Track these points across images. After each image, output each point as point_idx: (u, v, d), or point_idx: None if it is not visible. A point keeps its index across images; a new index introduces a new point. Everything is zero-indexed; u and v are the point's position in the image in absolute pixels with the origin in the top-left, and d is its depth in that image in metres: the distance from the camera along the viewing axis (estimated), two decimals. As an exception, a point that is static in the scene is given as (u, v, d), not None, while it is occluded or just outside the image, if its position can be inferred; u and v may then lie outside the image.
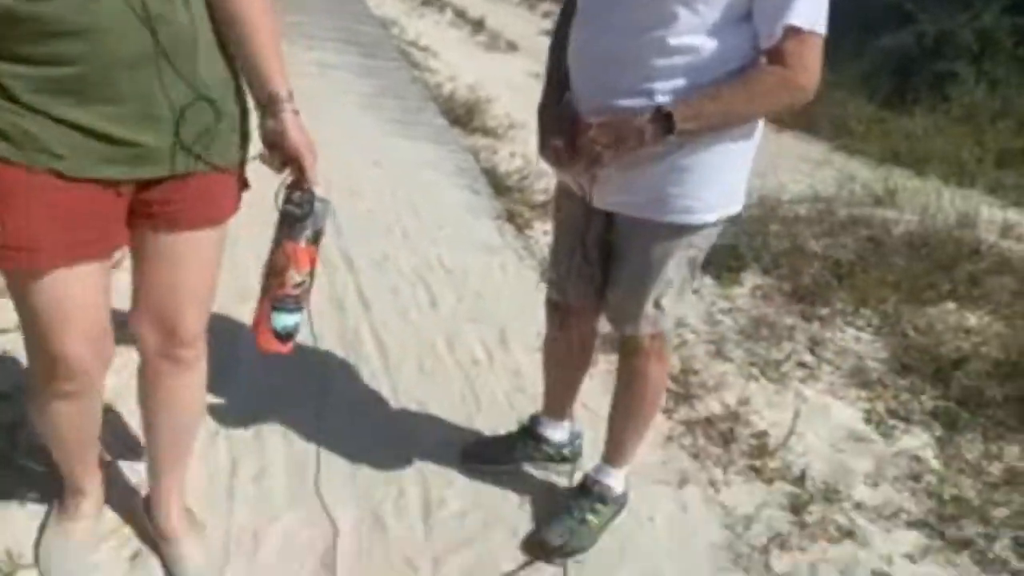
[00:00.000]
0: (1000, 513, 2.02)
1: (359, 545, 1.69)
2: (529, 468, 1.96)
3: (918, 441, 2.30)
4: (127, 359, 2.18)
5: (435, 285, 2.85)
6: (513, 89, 5.77)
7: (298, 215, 1.33)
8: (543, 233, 3.37)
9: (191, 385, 1.51)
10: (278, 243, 1.37)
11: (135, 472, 1.80)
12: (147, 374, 1.50)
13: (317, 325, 2.25)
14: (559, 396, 1.94)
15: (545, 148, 1.55)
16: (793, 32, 1.34)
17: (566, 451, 1.97)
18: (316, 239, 1.40)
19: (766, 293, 3.11)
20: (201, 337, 1.47)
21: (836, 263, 3.31)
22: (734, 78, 1.38)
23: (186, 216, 1.31)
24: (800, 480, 2.04)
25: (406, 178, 3.84)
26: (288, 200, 1.33)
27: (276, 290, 1.40)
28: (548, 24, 9.90)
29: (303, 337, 2.28)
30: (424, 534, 1.74)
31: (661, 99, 1.37)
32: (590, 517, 1.76)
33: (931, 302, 3.10)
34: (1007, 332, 2.91)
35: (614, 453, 1.81)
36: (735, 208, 1.55)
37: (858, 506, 1.99)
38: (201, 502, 1.72)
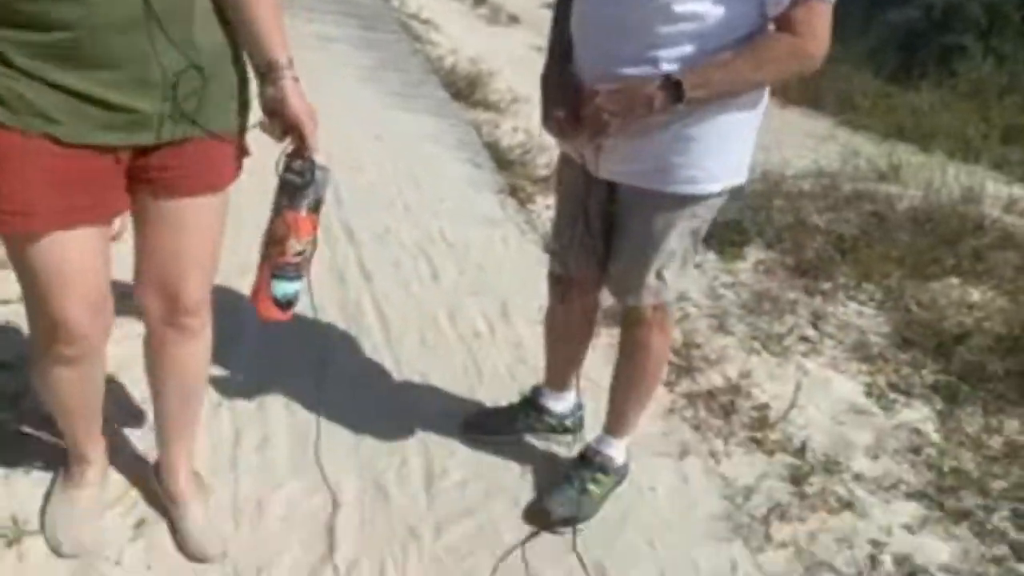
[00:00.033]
0: (999, 485, 2.03)
1: (362, 514, 1.71)
2: (531, 439, 1.97)
3: (918, 414, 2.31)
4: (129, 330, 2.19)
5: (437, 258, 2.84)
6: (515, 63, 5.71)
7: (299, 183, 1.32)
8: (545, 208, 3.36)
9: (197, 353, 1.52)
10: (278, 212, 1.37)
11: (139, 440, 1.81)
12: (153, 343, 1.51)
13: (318, 297, 2.25)
14: (561, 368, 1.94)
15: (548, 118, 1.54)
16: None
17: (568, 422, 1.98)
18: (317, 207, 1.39)
19: (769, 268, 3.10)
20: (205, 305, 1.47)
21: (839, 238, 3.30)
22: (742, 45, 1.36)
23: (185, 182, 1.30)
24: (800, 452, 2.05)
25: (407, 151, 3.82)
26: (288, 168, 1.33)
27: (276, 258, 1.39)
28: (551, -3, 9.76)
29: (304, 309, 2.30)
30: (426, 503, 1.75)
31: (666, 67, 1.35)
32: (591, 487, 1.77)
33: (934, 277, 3.10)
34: (1010, 307, 2.91)
35: (615, 424, 1.82)
36: (739, 179, 1.53)
37: (858, 477, 2.01)
38: (205, 471, 1.74)
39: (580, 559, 1.63)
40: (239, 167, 1.38)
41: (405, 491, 1.78)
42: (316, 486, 1.74)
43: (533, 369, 2.18)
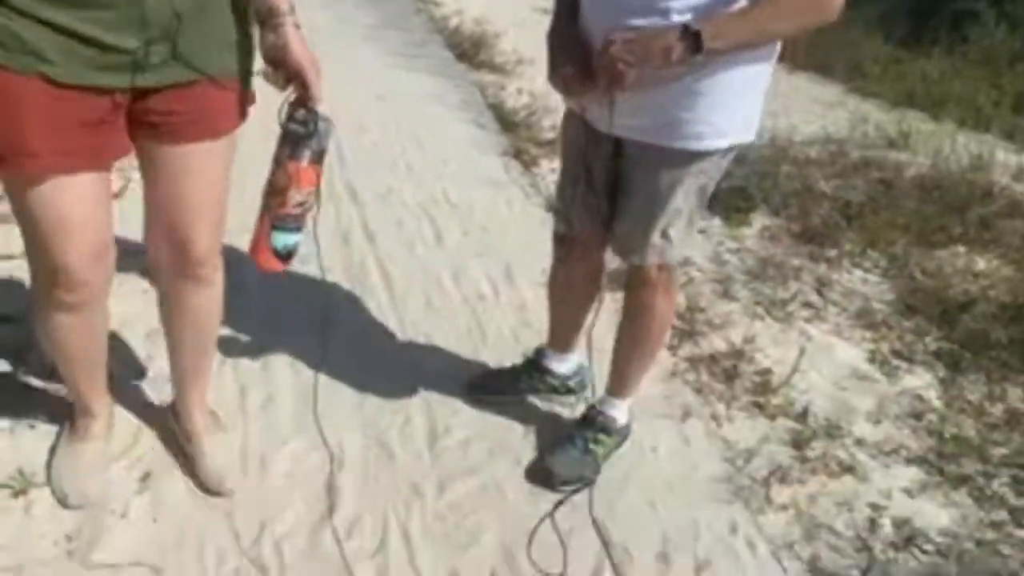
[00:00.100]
0: (999, 452, 2.04)
1: (365, 471, 1.72)
2: (534, 400, 1.98)
3: (921, 381, 2.31)
4: (133, 287, 2.20)
5: (440, 219, 2.82)
6: (520, 24, 5.60)
7: (301, 134, 1.30)
8: (550, 171, 3.32)
9: (209, 302, 1.54)
10: (279, 162, 1.35)
11: (143, 395, 1.82)
12: (166, 294, 1.53)
13: (323, 258, 2.25)
14: (564, 329, 1.94)
15: (554, 75, 1.51)
16: None
17: (571, 383, 1.98)
18: (319, 158, 1.37)
19: (774, 234, 3.08)
20: (215, 253, 1.48)
21: (846, 205, 3.27)
22: None
23: (187, 128, 1.29)
24: (802, 416, 2.06)
25: (410, 112, 3.77)
26: (291, 118, 1.31)
27: (276, 209, 1.38)
28: (557, -43, 9.56)
29: (310, 269, 2.30)
30: (430, 461, 1.76)
31: (677, 18, 1.32)
32: (593, 447, 1.78)
33: (940, 245, 3.07)
34: (1016, 276, 2.89)
35: (618, 385, 1.82)
36: (747, 136, 1.51)
37: (859, 442, 2.01)
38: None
39: (595, 524, 1.63)
40: (243, 114, 1.36)
41: (408, 449, 1.79)
42: (320, 444, 1.75)
43: (537, 331, 2.17)
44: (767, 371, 2.23)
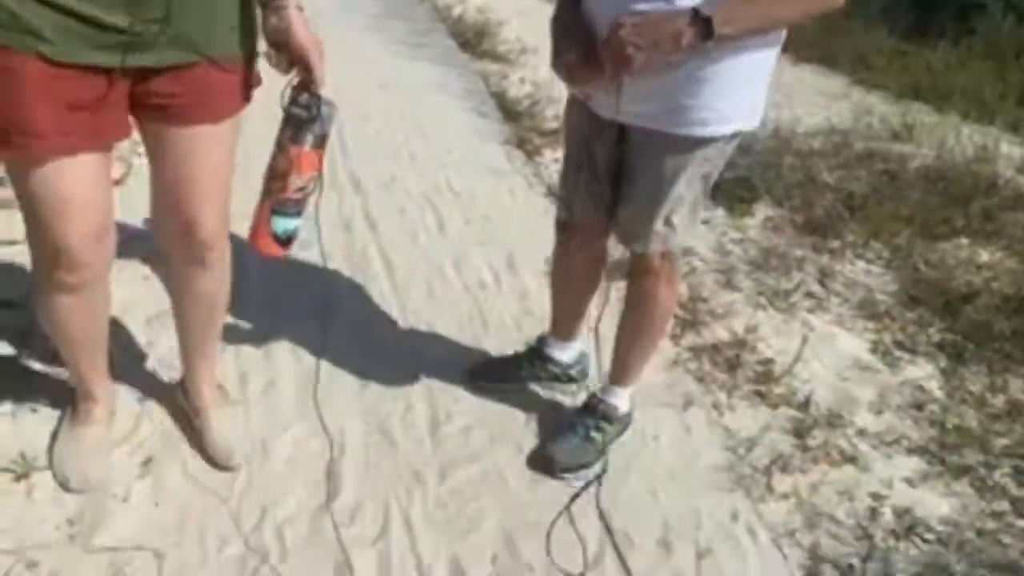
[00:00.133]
0: (1001, 443, 2.03)
1: (367, 457, 1.72)
2: (535, 388, 1.98)
3: (923, 372, 2.30)
4: (134, 273, 2.20)
5: (443, 208, 2.82)
6: (523, 13, 5.57)
7: (304, 118, 1.30)
8: (553, 161, 3.31)
9: (216, 284, 1.55)
10: (281, 146, 1.35)
11: (144, 381, 1.82)
12: (174, 277, 1.55)
13: (325, 245, 2.25)
14: (567, 317, 1.94)
15: (558, 62, 1.50)
16: None
17: (572, 372, 1.98)
18: (321, 144, 1.37)
19: (777, 225, 3.07)
20: (221, 236, 1.48)
21: (849, 196, 3.26)
22: None
23: (189, 111, 1.29)
24: (804, 406, 2.06)
25: (413, 100, 3.76)
26: (294, 102, 1.30)
27: (277, 193, 1.38)
28: (561, -53, 9.50)
29: (311, 256, 2.29)
30: (431, 448, 1.77)
31: (681, 3, 1.31)
32: (595, 435, 1.77)
33: (944, 237, 3.06)
34: (1019, 268, 2.88)
35: (620, 373, 1.82)
36: (752, 123, 1.50)
37: (861, 432, 2.01)
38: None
39: (601, 514, 1.63)
40: (247, 97, 1.36)
41: (410, 436, 1.79)
42: (321, 430, 1.75)
43: (539, 320, 2.17)
44: (769, 361, 2.23)
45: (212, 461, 1.63)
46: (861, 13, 6.35)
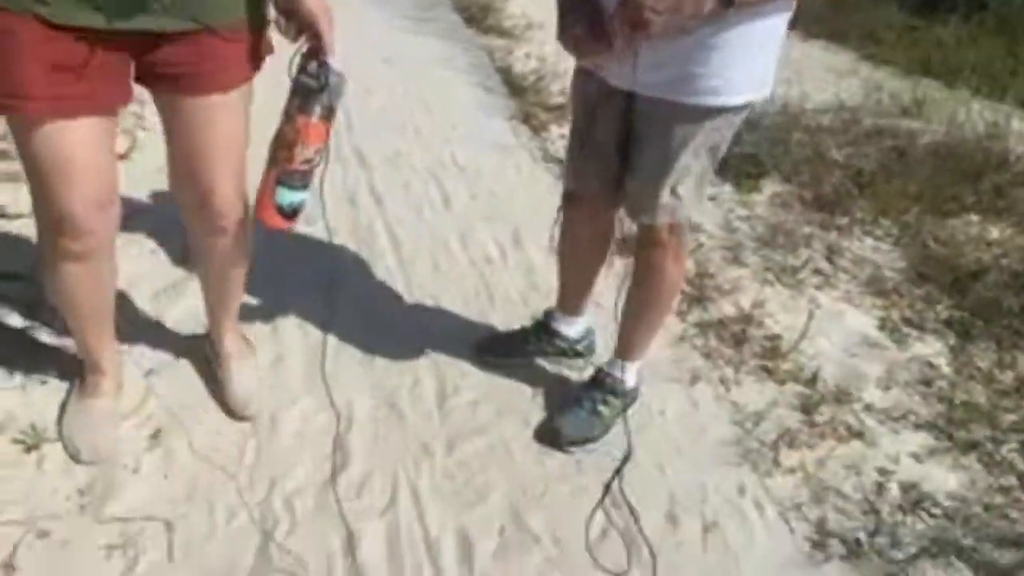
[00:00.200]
0: (1009, 419, 2.03)
1: (375, 430, 1.72)
2: (542, 362, 1.98)
3: (931, 348, 2.29)
4: (141, 247, 2.20)
5: (448, 183, 2.80)
6: (529, -12, 5.52)
7: (313, 87, 1.28)
8: (559, 136, 3.29)
9: (234, 248, 1.56)
10: (289, 116, 1.33)
11: (152, 354, 1.82)
12: (193, 241, 1.58)
13: (330, 220, 2.24)
14: (574, 291, 1.93)
15: (564, 35, 1.48)
16: None
17: (579, 346, 1.98)
18: (329, 115, 1.35)
19: (785, 201, 3.05)
20: (237, 204, 1.48)
21: (858, 172, 3.23)
22: None
23: (198, 81, 1.28)
24: (811, 382, 2.05)
25: (418, 75, 3.73)
26: (302, 70, 1.28)
27: (283, 164, 1.36)
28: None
29: (316, 231, 2.29)
30: (439, 421, 1.77)
31: None
32: (602, 408, 1.77)
33: (953, 213, 3.04)
34: (1029, 245, 2.86)
35: (627, 348, 1.81)
36: (762, 93, 1.48)
37: (868, 408, 2.01)
38: (214, 395, 1.75)
39: (625, 497, 1.62)
40: (256, 66, 1.35)
41: (417, 409, 1.79)
42: (329, 404, 1.75)
43: (545, 295, 2.16)
44: (776, 337, 2.22)
45: (230, 411, 1.68)
46: (871, -12, 6.25)
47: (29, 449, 1.53)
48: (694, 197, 1.58)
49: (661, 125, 1.47)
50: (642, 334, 1.80)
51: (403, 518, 1.53)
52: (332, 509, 1.53)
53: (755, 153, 3.19)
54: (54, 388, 1.66)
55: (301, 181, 1.40)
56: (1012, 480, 1.83)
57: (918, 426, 1.98)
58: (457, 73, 3.83)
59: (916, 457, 1.88)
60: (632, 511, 1.60)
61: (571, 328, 1.96)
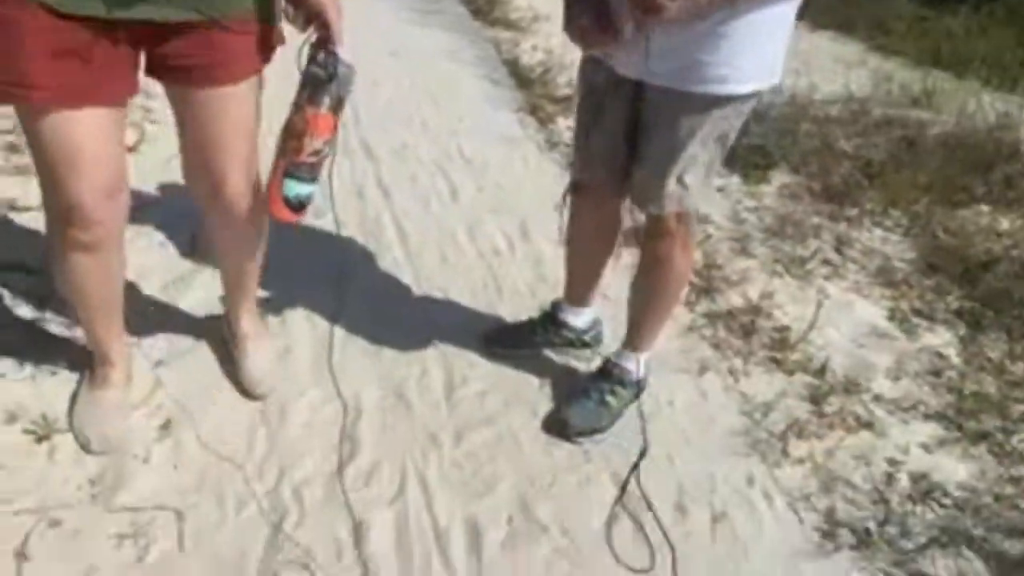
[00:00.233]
0: (1019, 409, 2.02)
1: (383, 420, 1.73)
2: (549, 353, 1.97)
3: (941, 339, 2.28)
4: (150, 239, 2.21)
5: (455, 175, 2.80)
6: (535, -20, 5.50)
7: (322, 77, 1.28)
8: (566, 128, 3.28)
9: (249, 234, 1.59)
10: (298, 106, 1.33)
11: (161, 346, 1.83)
12: (209, 227, 1.60)
13: (338, 212, 2.24)
14: (581, 282, 1.93)
15: (571, 26, 1.47)
16: None
17: (587, 337, 1.98)
18: (338, 107, 1.35)
19: (793, 192, 3.04)
20: (248, 193, 1.49)
21: (867, 163, 3.21)
22: None
23: (207, 73, 1.29)
24: (820, 372, 2.04)
25: (424, 68, 3.73)
26: (311, 61, 1.28)
27: (292, 155, 1.37)
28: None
29: (324, 223, 2.29)
30: (447, 412, 1.77)
31: None
32: (609, 399, 1.77)
33: (963, 204, 3.02)
34: (1040, 235, 2.84)
35: (634, 338, 1.81)
36: (771, 81, 1.47)
37: (877, 398, 2.00)
38: (230, 377, 1.76)
39: (642, 491, 1.61)
40: (266, 57, 1.35)
41: (425, 400, 1.79)
42: (337, 395, 1.76)
43: (553, 286, 2.16)
44: (785, 327, 2.21)
45: (244, 390, 1.72)
46: (880, -22, 6.20)
47: (40, 439, 1.55)
48: (701, 186, 1.57)
49: (669, 114, 1.47)
50: (651, 324, 1.80)
51: (412, 507, 1.53)
52: (341, 499, 1.53)
53: (763, 144, 3.18)
54: (64, 379, 1.67)
55: (309, 173, 1.40)
56: (1022, 470, 1.82)
57: (928, 416, 1.97)
58: (464, 65, 3.83)
59: (926, 447, 1.87)
60: (648, 504, 1.59)
61: (578, 319, 1.96)
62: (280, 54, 1.39)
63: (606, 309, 2.05)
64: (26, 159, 2.35)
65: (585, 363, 1.96)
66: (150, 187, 2.38)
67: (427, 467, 1.62)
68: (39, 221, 2.04)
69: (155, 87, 1.39)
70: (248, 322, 1.78)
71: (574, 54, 1.61)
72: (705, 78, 1.41)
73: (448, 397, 1.81)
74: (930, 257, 2.66)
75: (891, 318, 2.36)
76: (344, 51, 1.32)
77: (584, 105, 1.65)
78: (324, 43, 1.27)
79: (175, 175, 2.40)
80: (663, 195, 1.55)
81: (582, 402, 1.77)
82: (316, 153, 1.38)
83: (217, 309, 1.96)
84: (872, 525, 1.63)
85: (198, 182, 1.47)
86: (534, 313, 2.04)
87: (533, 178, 2.88)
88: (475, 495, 1.58)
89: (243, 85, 1.34)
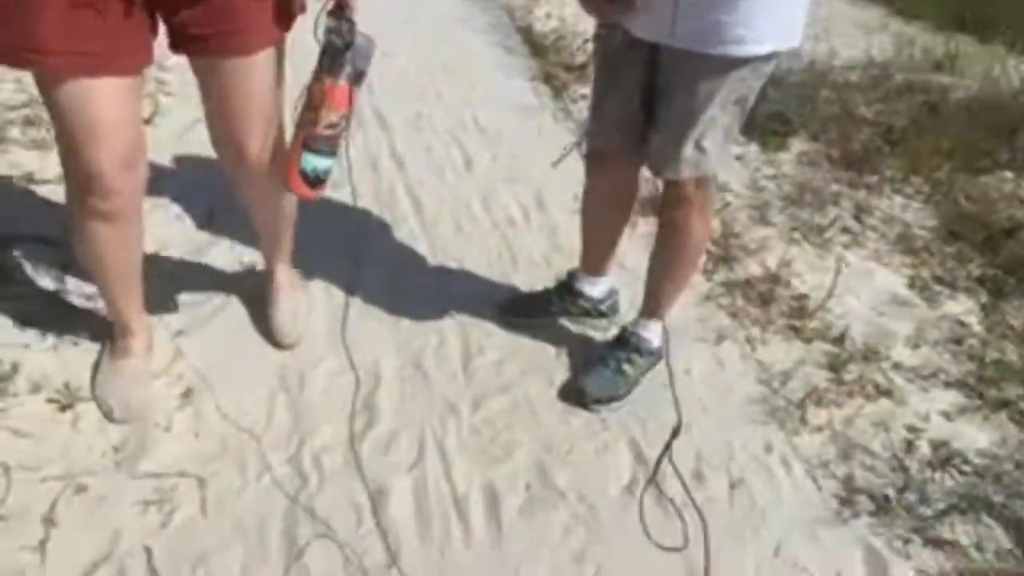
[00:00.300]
0: (1042, 377, 1.99)
1: (401, 389, 1.73)
2: (566, 322, 1.97)
3: (962, 306, 2.25)
4: (167, 211, 2.21)
5: (469, 144, 2.78)
6: (549, -54, 5.41)
7: (339, 45, 1.27)
8: (581, 96, 3.24)
9: (276, 196, 1.61)
10: (317, 76, 1.33)
11: (181, 316, 1.84)
12: (238, 190, 1.62)
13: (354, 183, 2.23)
14: (597, 251, 1.92)
15: None
16: None
17: (603, 306, 1.97)
18: (356, 80, 1.34)
19: (813, 159, 2.99)
20: (272, 161, 1.49)
21: (888, 129, 3.15)
22: None
23: (226, 41, 1.30)
24: (839, 340, 2.03)
25: (437, 37, 3.69)
26: (328, 30, 1.27)
27: (310, 127, 1.36)
28: None
29: (340, 195, 2.28)
30: (464, 380, 1.78)
31: None
32: (626, 367, 1.77)
33: (986, 170, 2.96)
34: (1065, 202, 2.78)
35: (652, 306, 1.80)
36: (791, 43, 1.44)
37: (897, 366, 1.98)
38: (249, 346, 1.77)
39: (676, 469, 1.60)
40: (286, 26, 1.35)
41: (443, 369, 1.80)
42: (356, 364, 1.77)
43: (568, 256, 2.15)
44: (803, 296, 2.19)
45: (273, 340, 1.79)
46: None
47: (64, 408, 1.57)
48: (720, 151, 1.55)
49: (687, 77, 1.44)
50: (668, 292, 1.79)
51: (430, 474, 1.55)
52: (361, 464, 1.54)
53: (782, 111, 3.13)
54: (86, 349, 1.69)
55: (327, 147, 1.40)
56: (1045, 438, 1.81)
57: (948, 384, 1.95)
58: (476, 33, 3.78)
59: (946, 415, 1.86)
60: (679, 476, 1.59)
61: (595, 288, 1.95)
62: (301, 22, 1.38)
63: (622, 278, 2.04)
64: (43, 133, 2.36)
65: (601, 332, 1.96)
66: (165, 159, 2.38)
67: (445, 435, 1.63)
68: (58, 194, 2.06)
69: (168, 59, 1.39)
70: (283, 274, 1.84)
71: (588, 21, 1.59)
72: (723, 39, 1.38)
73: (465, 366, 1.81)
74: (952, 224, 2.62)
75: (911, 286, 2.33)
76: (358, 19, 1.30)
77: (600, 71, 1.63)
78: (341, 10, 1.26)
79: (190, 147, 2.43)
80: (680, 160, 1.53)
81: (599, 370, 1.77)
82: (333, 126, 1.37)
83: (235, 280, 1.98)
84: (891, 492, 1.62)
85: (223, 150, 1.50)
86: (549, 283, 2.03)
87: (548, 147, 2.84)
88: (493, 462, 1.59)
89: (262, 54, 1.34)
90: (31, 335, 1.71)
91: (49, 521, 1.37)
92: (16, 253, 1.91)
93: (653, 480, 1.58)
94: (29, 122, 2.44)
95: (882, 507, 1.59)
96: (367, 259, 2.13)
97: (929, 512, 1.59)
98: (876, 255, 2.47)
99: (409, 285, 2.07)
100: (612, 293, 1.99)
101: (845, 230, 2.57)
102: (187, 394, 1.65)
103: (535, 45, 3.70)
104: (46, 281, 1.85)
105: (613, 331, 1.91)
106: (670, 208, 1.66)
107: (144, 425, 1.57)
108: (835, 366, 1.94)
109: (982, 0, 5.59)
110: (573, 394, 1.75)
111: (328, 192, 2.24)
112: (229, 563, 1.35)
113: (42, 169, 2.21)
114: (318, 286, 2.02)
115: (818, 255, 2.42)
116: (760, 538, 1.51)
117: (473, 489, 1.53)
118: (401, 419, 1.66)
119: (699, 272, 2.15)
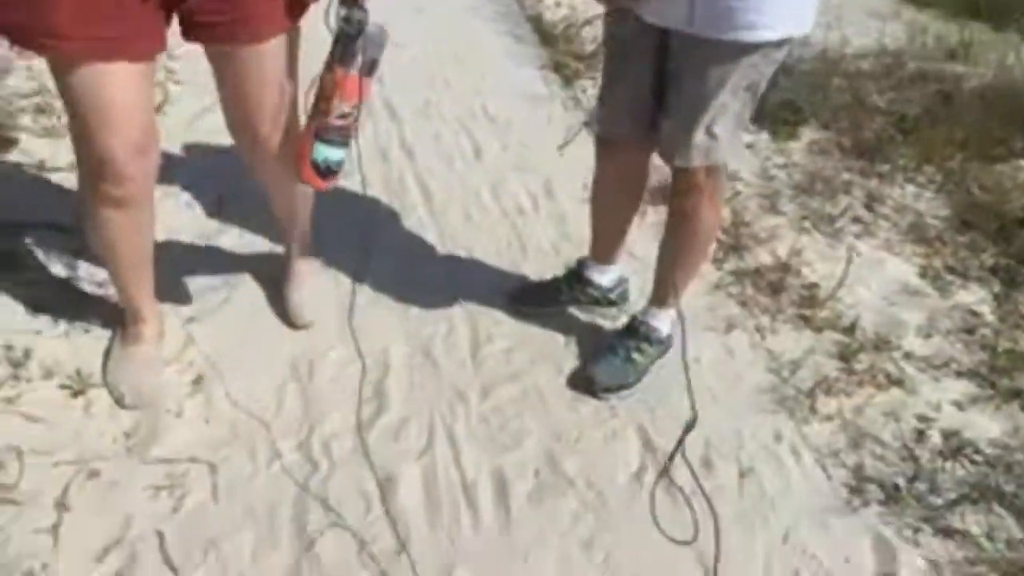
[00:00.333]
0: (1055, 367, 1.98)
1: (411, 377, 1.74)
2: (575, 311, 1.97)
3: (975, 296, 2.24)
4: (178, 199, 2.22)
5: (479, 133, 2.77)
6: (559, -66, 5.37)
7: (350, 34, 1.27)
8: (591, 85, 3.22)
9: (289, 185, 1.62)
10: (329, 66, 1.32)
11: (192, 303, 1.85)
12: (253, 176, 1.63)
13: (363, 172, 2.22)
14: (606, 239, 1.91)
15: None
16: None
17: (612, 295, 1.97)
18: (369, 71, 1.34)
19: (824, 148, 2.97)
20: (286, 147, 1.50)
21: (901, 118, 3.12)
22: None
23: (233, 31, 1.30)
24: (850, 330, 2.02)
25: (447, 25, 3.68)
26: (339, 18, 1.27)
27: (322, 116, 1.36)
28: None
29: (350, 184, 2.29)
30: (473, 368, 1.78)
31: None
32: (636, 356, 1.77)
33: (1000, 159, 2.93)
34: (1080, 191, 2.75)
35: (661, 295, 1.79)
36: (802, 29, 1.43)
37: (908, 356, 1.97)
38: (259, 334, 1.78)
39: (688, 464, 1.59)
40: (297, 14, 1.35)
41: (452, 357, 1.80)
42: (364, 350, 1.77)
43: (577, 244, 2.15)
44: (814, 285, 2.18)
45: (289, 321, 1.81)
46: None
47: (76, 394, 1.58)
48: (731, 138, 1.54)
49: (698, 63, 1.43)
50: (677, 280, 1.78)
51: (440, 461, 1.55)
52: (370, 451, 1.55)
53: (793, 99, 3.10)
54: (97, 336, 1.70)
55: (339, 137, 1.40)
56: (1057, 428, 1.80)
57: (960, 374, 1.94)
58: (486, 22, 3.77)
59: (958, 405, 1.84)
60: (689, 465, 1.58)
61: (604, 277, 1.95)
62: (313, 11, 1.38)
63: (632, 266, 2.04)
64: (54, 121, 2.37)
65: (611, 321, 1.95)
66: (175, 147, 2.38)
67: (455, 422, 1.64)
68: (70, 181, 2.07)
69: (177, 47, 1.39)
70: (299, 258, 1.86)
71: (598, 8, 1.58)
72: (734, 25, 1.37)
73: (474, 354, 1.82)
74: (964, 213, 2.60)
75: (923, 275, 2.31)
76: (369, 7, 1.30)
77: (611, 58, 1.62)
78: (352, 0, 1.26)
79: (199, 135, 2.44)
80: (691, 146, 1.52)
81: (608, 359, 1.77)
82: (344, 116, 1.37)
83: (245, 267, 1.98)
84: (901, 481, 1.62)
85: (238, 136, 1.52)
86: (558, 271, 2.03)
87: (557, 136, 2.83)
88: (502, 449, 1.59)
89: (274, 42, 1.35)
90: (43, 321, 1.72)
91: (62, 505, 1.38)
92: (28, 240, 1.92)
93: (665, 474, 1.57)
94: (40, 110, 2.45)
95: (892, 496, 1.58)
96: (376, 248, 2.14)
97: (939, 501, 1.58)
98: (887, 244, 2.45)
99: (418, 273, 2.07)
100: (622, 281, 1.98)
101: (856, 219, 2.55)
102: (198, 381, 1.66)
103: (544, 34, 3.68)
104: (58, 268, 1.86)
105: (622, 319, 1.90)
106: (680, 196, 1.65)
107: (155, 411, 1.58)
108: (845, 355, 1.93)
109: (996, -12, 5.52)
110: (582, 382, 1.75)
111: (340, 181, 2.25)
112: (240, 548, 1.36)
113: (53, 157, 2.22)
114: (328, 275, 2.02)
115: (829, 244, 2.40)
116: (769, 527, 1.50)
117: (482, 476, 1.53)
118: (410, 407, 1.66)
119: (709, 261, 2.14)
